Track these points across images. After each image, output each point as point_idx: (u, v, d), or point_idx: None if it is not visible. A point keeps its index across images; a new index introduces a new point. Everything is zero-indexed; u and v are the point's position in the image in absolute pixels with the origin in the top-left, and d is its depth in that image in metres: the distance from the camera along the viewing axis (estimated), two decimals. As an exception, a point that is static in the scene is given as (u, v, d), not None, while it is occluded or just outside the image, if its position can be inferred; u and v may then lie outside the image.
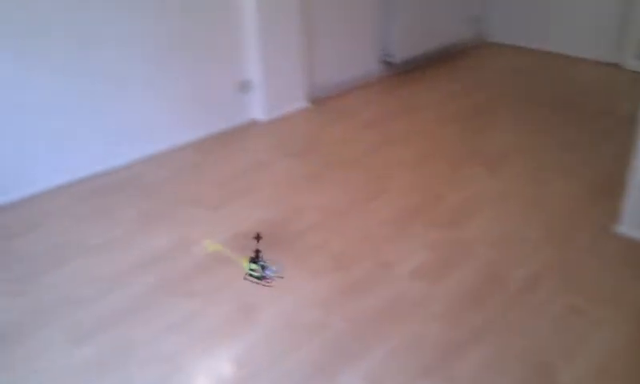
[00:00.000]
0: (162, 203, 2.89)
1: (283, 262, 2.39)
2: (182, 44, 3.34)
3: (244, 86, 3.77)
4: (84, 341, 2.02)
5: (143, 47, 3.19)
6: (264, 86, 3.79)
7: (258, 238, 2.35)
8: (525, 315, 2.09)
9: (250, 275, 2.29)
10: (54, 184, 3.03)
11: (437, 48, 5.02)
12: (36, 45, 2.77)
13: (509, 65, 5.07)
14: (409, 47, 4.68)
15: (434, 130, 3.74)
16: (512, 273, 2.32)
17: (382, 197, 2.93)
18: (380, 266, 2.39)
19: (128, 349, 1.98)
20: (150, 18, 3.15)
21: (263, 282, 2.27)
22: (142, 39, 3.16)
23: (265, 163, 3.34)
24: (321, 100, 4.24)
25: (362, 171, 3.20)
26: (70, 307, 2.18)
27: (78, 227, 2.70)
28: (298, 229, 2.65)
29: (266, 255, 2.37)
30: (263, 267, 2.29)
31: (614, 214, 2.60)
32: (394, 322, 2.07)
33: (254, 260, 2.31)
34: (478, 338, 1.99)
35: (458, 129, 3.74)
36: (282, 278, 2.28)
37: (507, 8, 5.43)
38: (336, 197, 2.94)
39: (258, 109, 3.87)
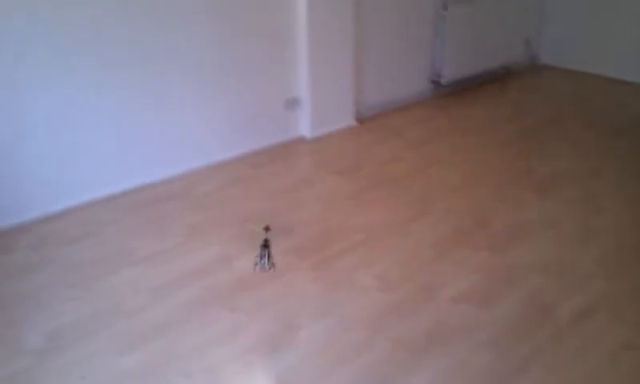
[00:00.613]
0: (211, 216, 2.94)
1: (326, 281, 2.39)
2: (233, 60, 3.40)
3: (292, 103, 3.81)
4: (129, 350, 2.07)
5: (198, 63, 3.26)
6: (312, 103, 3.82)
7: (267, 229, 2.59)
8: (575, 349, 2.02)
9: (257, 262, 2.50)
10: (105, 193, 3.11)
11: (487, 69, 4.95)
12: (95, 58, 2.88)
13: (561, 88, 4.96)
14: (458, 68, 4.64)
15: (482, 152, 3.68)
16: (563, 303, 2.24)
17: (427, 218, 2.89)
18: (425, 288, 2.35)
19: (170, 360, 2.02)
20: (203, 34, 3.23)
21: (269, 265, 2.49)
22: (196, 55, 3.24)
23: (311, 180, 3.36)
24: (368, 118, 4.24)
25: (409, 191, 3.17)
26: (118, 316, 2.24)
27: (129, 237, 2.78)
28: (342, 247, 2.65)
29: (309, 271, 2.39)
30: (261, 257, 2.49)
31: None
32: (439, 348, 2.03)
33: (265, 246, 2.51)
34: (525, 369, 1.93)
35: (508, 152, 3.66)
36: (267, 270, 2.47)
37: (560, 30, 5.32)
38: (380, 217, 2.92)
39: (305, 126, 3.91)
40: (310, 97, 3.80)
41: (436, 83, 4.66)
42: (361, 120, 4.19)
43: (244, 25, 3.37)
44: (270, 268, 2.47)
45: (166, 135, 3.27)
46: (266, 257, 2.48)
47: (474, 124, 4.15)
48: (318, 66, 3.74)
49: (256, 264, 2.49)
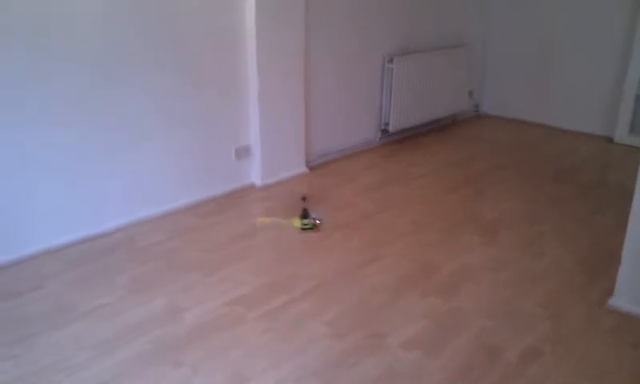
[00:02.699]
0: (156, 268, 2.87)
1: (276, 330, 2.36)
2: (183, 110, 3.40)
3: (243, 152, 3.82)
4: (68, 409, 1.96)
5: (147, 113, 3.24)
6: (262, 151, 3.84)
7: (304, 198, 3.36)
8: (522, 391, 2.05)
9: (304, 227, 3.22)
10: (47, 246, 2.99)
11: (433, 118, 5.13)
12: (40, 109, 2.82)
13: (504, 137, 5.18)
14: (405, 117, 4.79)
15: (430, 197, 3.77)
16: (508, 346, 2.28)
17: (377, 263, 2.92)
18: (374, 335, 2.35)
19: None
20: (152, 84, 3.22)
21: (317, 225, 3.24)
22: (145, 105, 3.22)
23: (259, 229, 3.34)
24: (319, 165, 4.29)
25: (358, 237, 3.20)
26: (61, 374, 2.12)
27: (72, 291, 2.66)
28: (293, 295, 2.62)
29: (259, 321, 2.36)
30: (312, 217, 3.25)
31: (608, 287, 2.59)
32: (388, 396, 2.02)
33: (305, 215, 3.26)
34: (474, 414, 1.93)
35: (455, 197, 3.77)
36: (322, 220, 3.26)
37: (502, 82, 5.61)
38: (331, 263, 2.92)
39: (256, 173, 3.91)
40: (261, 145, 3.82)
41: (385, 131, 4.79)
42: (312, 167, 4.23)
43: (193, 75, 3.40)
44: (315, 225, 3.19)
45: (111, 185, 3.19)
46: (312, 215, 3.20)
47: (422, 171, 4.26)
48: (268, 115, 3.78)
49: (313, 226, 3.20)
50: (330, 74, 4.24)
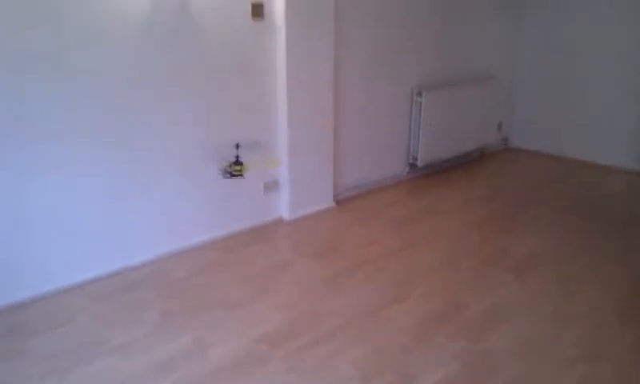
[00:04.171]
0: (183, 303, 2.88)
1: (302, 370, 2.33)
2: (215, 145, 3.45)
3: (271, 186, 3.84)
4: None
5: (171, 145, 3.27)
6: (291, 185, 3.86)
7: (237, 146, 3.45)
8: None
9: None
10: (76, 280, 3.02)
11: (462, 152, 5.09)
12: (72, 144, 2.88)
13: (533, 170, 5.10)
14: (434, 151, 4.76)
15: (458, 233, 3.71)
16: (542, 391, 2.21)
17: (404, 302, 2.87)
18: (402, 377, 2.29)
19: None
20: (184, 117, 3.27)
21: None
22: (176, 138, 3.27)
23: (288, 263, 3.33)
24: (346, 200, 4.28)
25: (385, 274, 3.16)
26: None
27: (99, 326, 2.68)
28: (318, 334, 2.59)
29: (285, 360, 2.33)
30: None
31: (648, 330, 2.50)
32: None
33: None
34: None
35: (484, 233, 3.71)
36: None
37: (531, 115, 5.54)
38: (357, 301, 2.89)
39: (284, 207, 3.93)
40: (289, 179, 3.84)
41: (412, 165, 4.77)
42: (339, 201, 4.23)
43: (223, 107, 3.44)
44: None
45: (139, 219, 3.23)
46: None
47: (450, 205, 4.21)
48: (296, 149, 3.81)
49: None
50: (359, 108, 4.25)
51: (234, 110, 3.50)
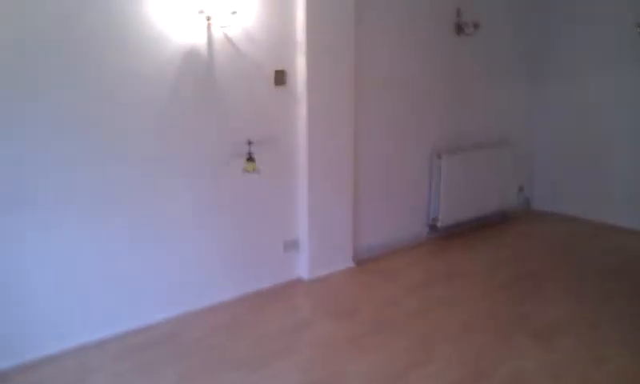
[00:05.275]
0: (202, 363, 2.86)
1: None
2: (234, 204, 3.51)
3: (291, 245, 3.87)
4: None
5: (191, 202, 3.33)
6: (310, 245, 3.88)
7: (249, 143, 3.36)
8: None
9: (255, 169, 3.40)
10: (91, 339, 3.03)
11: (482, 214, 5.08)
12: (89, 201, 2.95)
13: (555, 233, 5.04)
14: (454, 212, 4.76)
15: (480, 296, 3.65)
16: None
17: (426, 367, 2.80)
18: (423, 446, 2.23)
19: None
20: (205, 179, 3.34)
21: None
22: (197, 198, 3.34)
23: (307, 323, 3.30)
24: (366, 260, 4.27)
25: (406, 337, 3.11)
26: None
27: (116, 385, 2.68)
28: (336, 398, 2.54)
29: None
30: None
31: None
32: None
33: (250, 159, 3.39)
34: None
35: (506, 297, 3.64)
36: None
37: (553, 177, 5.54)
38: (378, 364, 2.83)
39: (303, 267, 3.93)
40: (309, 239, 3.86)
41: (433, 227, 4.76)
42: (359, 262, 4.22)
43: (244, 173, 3.51)
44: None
45: (157, 277, 3.25)
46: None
47: (471, 268, 4.17)
48: (316, 209, 3.85)
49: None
50: (379, 170, 4.31)
51: (259, 170, 3.57)
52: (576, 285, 3.83)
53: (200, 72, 3.17)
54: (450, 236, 4.88)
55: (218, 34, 3.17)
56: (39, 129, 2.70)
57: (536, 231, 5.14)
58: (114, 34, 2.85)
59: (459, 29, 4.56)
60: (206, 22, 3.09)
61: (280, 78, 3.53)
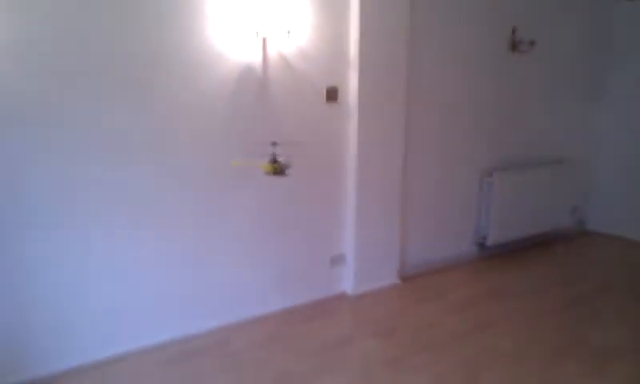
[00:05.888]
0: (244, 375, 2.91)
1: None
2: (285, 218, 3.58)
3: (338, 260, 3.90)
4: None
5: (243, 216, 3.41)
6: (356, 260, 3.90)
7: (274, 143, 3.17)
8: None
9: (275, 172, 3.16)
10: (140, 345, 3.14)
11: (533, 234, 4.97)
12: (141, 212, 3.07)
13: (610, 255, 4.88)
14: (504, 231, 4.68)
15: (530, 319, 3.58)
16: None
17: (470, 391, 2.78)
18: None
19: None
20: (259, 194, 3.41)
21: (284, 170, 3.17)
22: (248, 213, 3.41)
23: (351, 340, 3.32)
24: (412, 277, 4.26)
25: (451, 359, 3.08)
26: None
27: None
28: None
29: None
30: (280, 162, 3.17)
31: None
32: None
33: (274, 161, 3.17)
34: None
35: (558, 320, 3.55)
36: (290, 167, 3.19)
37: (609, 198, 5.37)
38: (421, 385, 2.83)
39: (348, 282, 3.96)
40: (355, 254, 3.89)
41: (481, 245, 4.69)
42: (404, 278, 4.20)
43: (298, 186, 3.56)
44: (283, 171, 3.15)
45: (205, 287, 3.33)
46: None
47: (521, 288, 4.08)
48: (364, 225, 3.87)
49: (281, 171, 3.15)
50: (428, 186, 4.29)
51: (308, 185, 3.63)
52: (632, 310, 3.70)
53: (255, 88, 3.25)
54: (499, 255, 4.80)
55: (272, 53, 3.25)
56: (90, 141, 2.84)
57: (591, 252, 4.99)
58: (181, 53, 2.97)
59: (514, 46, 4.49)
60: (262, 42, 3.17)
61: (332, 94, 3.58)
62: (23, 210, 2.68)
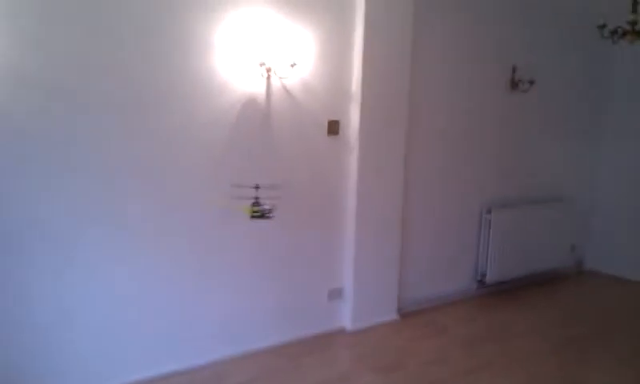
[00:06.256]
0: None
1: None
2: (282, 252, 3.54)
3: (335, 294, 3.85)
4: None
5: (238, 251, 3.36)
6: (355, 295, 3.85)
7: (257, 187, 3.16)
8: None
9: (254, 215, 3.15)
10: (129, 380, 3.03)
11: (532, 272, 4.94)
12: (144, 245, 3.02)
13: (609, 296, 4.85)
14: (503, 269, 4.65)
15: (530, 358, 3.52)
16: None
17: (472, 432, 2.71)
18: None
19: None
20: (251, 226, 3.29)
21: (266, 214, 3.16)
22: (236, 240, 3.33)
23: (348, 377, 3.24)
24: (411, 313, 4.20)
25: (451, 399, 3.02)
26: None
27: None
28: None
29: None
30: (262, 206, 3.16)
31: None
32: None
33: (255, 204, 3.16)
34: None
35: (556, 362, 3.49)
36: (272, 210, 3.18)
37: (609, 238, 5.36)
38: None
39: (346, 317, 3.89)
40: (354, 289, 3.84)
41: (481, 282, 4.65)
42: (403, 314, 4.15)
43: (295, 219, 3.54)
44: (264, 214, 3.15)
45: (201, 321, 3.27)
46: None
47: (521, 328, 4.03)
48: (363, 260, 3.83)
49: (262, 215, 3.14)
50: (427, 221, 4.28)
51: (307, 218, 3.61)
52: (633, 351, 3.64)
53: (258, 119, 3.26)
54: (498, 292, 4.75)
55: (276, 84, 3.27)
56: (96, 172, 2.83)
57: (590, 292, 4.95)
58: (186, 84, 2.99)
59: (514, 84, 4.55)
60: (266, 73, 3.19)
61: (333, 127, 3.59)
62: (24, 238, 2.65)
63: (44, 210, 2.68)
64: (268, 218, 3.17)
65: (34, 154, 2.62)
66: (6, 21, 2.47)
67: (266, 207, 3.16)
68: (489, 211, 4.56)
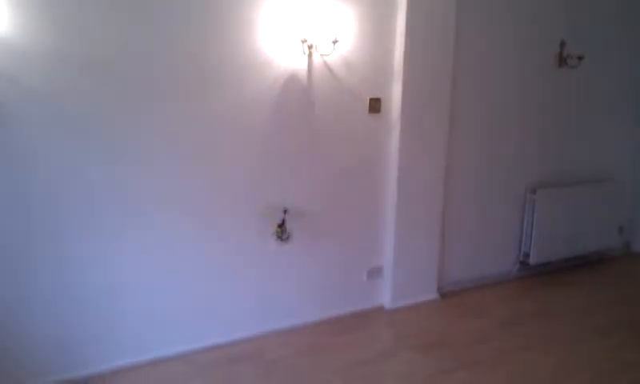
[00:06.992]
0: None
1: None
2: (325, 229, 3.57)
3: (375, 272, 3.86)
4: None
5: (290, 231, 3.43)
6: (394, 273, 3.85)
7: (285, 211, 3.31)
8: None
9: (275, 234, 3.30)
10: (174, 351, 3.18)
11: (577, 253, 4.81)
12: (186, 222, 3.12)
13: (660, 279, 4.69)
14: (547, 250, 4.54)
15: (574, 341, 3.46)
16: None
17: (513, 412, 2.69)
18: None
19: None
20: (296, 191, 3.42)
21: (283, 239, 3.34)
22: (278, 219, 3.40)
23: (388, 354, 3.27)
24: (451, 293, 4.18)
25: (494, 378, 2.99)
26: None
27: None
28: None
29: None
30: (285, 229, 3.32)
31: None
32: None
33: (280, 225, 3.31)
34: None
35: (603, 343, 3.42)
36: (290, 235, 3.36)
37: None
38: (462, 404, 2.76)
39: (386, 295, 3.90)
40: (393, 267, 3.84)
41: (523, 263, 4.57)
42: (443, 294, 4.13)
43: (337, 197, 3.56)
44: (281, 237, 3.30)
45: (245, 296, 3.35)
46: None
47: (564, 309, 3.95)
48: (403, 238, 3.82)
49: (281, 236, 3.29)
50: (469, 201, 4.21)
51: (347, 198, 3.62)
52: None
53: (299, 96, 3.27)
54: (541, 274, 4.66)
55: (317, 61, 3.26)
56: (146, 152, 2.90)
57: (635, 274, 4.80)
58: (234, 63, 3.03)
59: (562, 61, 4.39)
60: (308, 50, 3.18)
61: (375, 105, 3.56)
62: (77, 214, 2.77)
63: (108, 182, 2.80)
64: (283, 241, 3.37)
65: (93, 133, 2.72)
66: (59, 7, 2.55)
67: (287, 232, 3.36)
68: (534, 191, 4.45)
